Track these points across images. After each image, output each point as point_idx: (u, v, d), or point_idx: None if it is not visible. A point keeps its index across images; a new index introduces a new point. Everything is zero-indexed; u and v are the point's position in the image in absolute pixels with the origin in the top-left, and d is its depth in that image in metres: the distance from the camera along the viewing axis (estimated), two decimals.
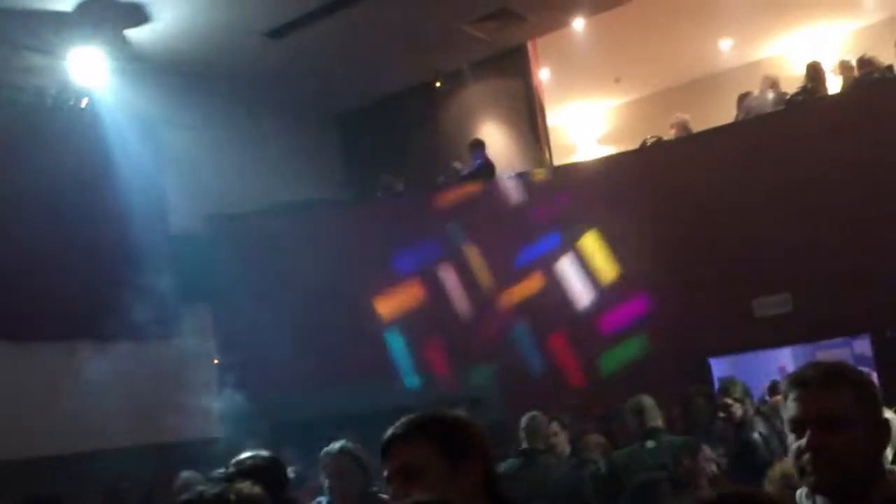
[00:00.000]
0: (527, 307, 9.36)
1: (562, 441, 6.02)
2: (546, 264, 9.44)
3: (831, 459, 1.79)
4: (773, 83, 9.91)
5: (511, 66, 11.44)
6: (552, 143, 11.80)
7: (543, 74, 11.80)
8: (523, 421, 5.66)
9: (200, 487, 2.00)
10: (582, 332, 9.20)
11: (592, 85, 12.46)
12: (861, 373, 1.96)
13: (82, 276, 8.51)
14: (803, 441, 1.82)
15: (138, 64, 9.22)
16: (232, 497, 1.88)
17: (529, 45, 11.43)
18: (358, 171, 11.81)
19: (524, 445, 5.55)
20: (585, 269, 9.37)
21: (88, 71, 9.03)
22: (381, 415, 2.48)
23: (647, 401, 5.30)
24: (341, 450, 4.08)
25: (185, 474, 5.72)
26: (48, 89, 8.97)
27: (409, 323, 9.35)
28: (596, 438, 6.37)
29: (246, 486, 2.02)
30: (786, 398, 1.92)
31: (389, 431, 2.00)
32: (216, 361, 9.14)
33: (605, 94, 12.92)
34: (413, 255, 9.46)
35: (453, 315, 9.40)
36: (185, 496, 1.92)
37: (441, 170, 10.87)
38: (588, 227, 9.43)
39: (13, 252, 8.07)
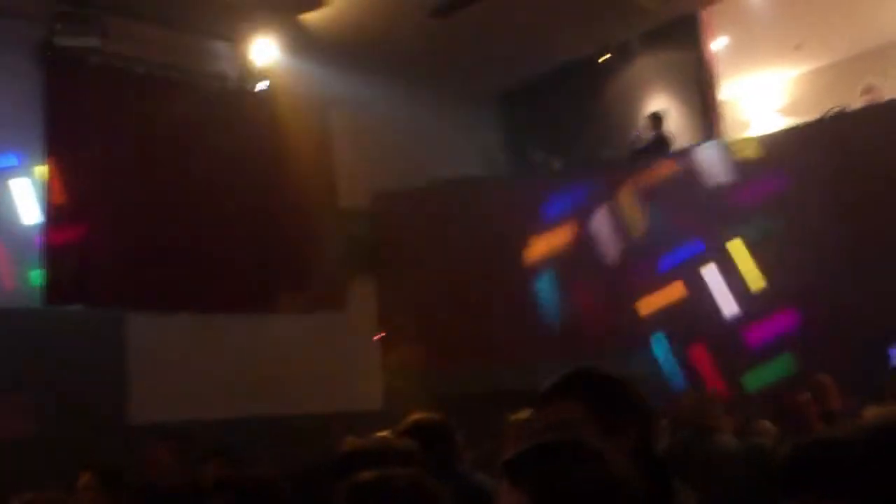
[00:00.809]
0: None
1: (728, 423, 5.75)
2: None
3: None
4: None
5: (681, 37, 10.87)
6: (726, 117, 11.24)
7: (718, 44, 11.20)
8: (687, 398, 5.42)
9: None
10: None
11: (770, 53, 11.70)
12: None
13: (258, 252, 9.02)
14: None
15: (310, 47, 9.58)
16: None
17: (702, 14, 10.89)
18: (520, 148, 11.72)
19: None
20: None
21: (265, 55, 9.50)
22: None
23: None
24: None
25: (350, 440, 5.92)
26: (229, 74, 9.51)
27: (565, 295, 9.22)
28: (766, 425, 6.07)
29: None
30: None
31: (545, 385, 1.95)
32: (380, 335, 9.44)
33: (784, 63, 12.12)
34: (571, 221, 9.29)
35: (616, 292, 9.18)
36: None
37: (608, 146, 10.62)
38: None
39: (196, 229, 8.68)
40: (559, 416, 1.86)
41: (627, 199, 9.38)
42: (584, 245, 9.35)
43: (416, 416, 3.68)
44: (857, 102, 9.41)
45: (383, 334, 9.39)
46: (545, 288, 9.29)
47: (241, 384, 8.27)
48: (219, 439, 7.30)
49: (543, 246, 9.40)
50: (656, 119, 10.26)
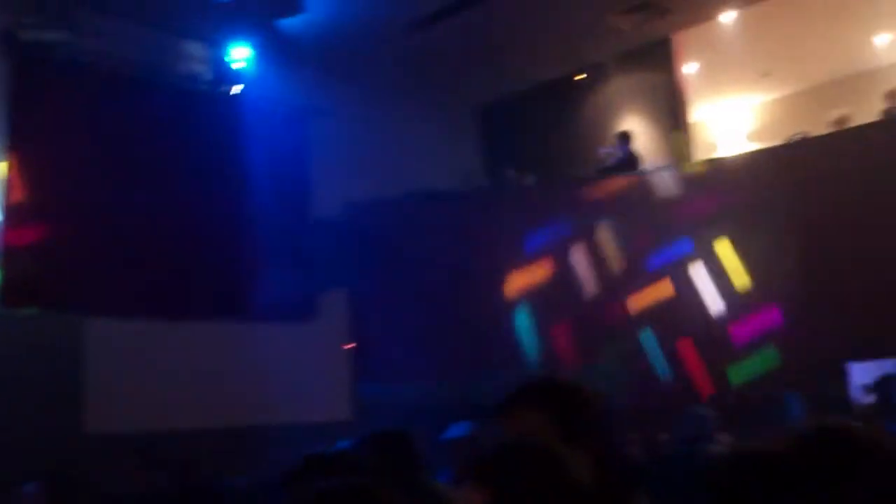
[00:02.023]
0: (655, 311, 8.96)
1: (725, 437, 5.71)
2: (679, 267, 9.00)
3: None
4: None
5: (655, 60, 11.06)
6: (695, 139, 11.36)
7: (690, 68, 11.36)
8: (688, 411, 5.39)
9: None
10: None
11: (740, 79, 11.88)
12: None
13: (226, 258, 8.73)
14: None
15: (288, 53, 9.36)
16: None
17: (675, 38, 11.02)
18: (497, 163, 11.66)
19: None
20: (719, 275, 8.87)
21: (242, 59, 9.26)
22: None
23: None
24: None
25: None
26: (202, 76, 9.23)
27: (540, 316, 9.15)
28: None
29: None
30: None
31: (506, 395, 1.94)
32: (350, 346, 9.21)
33: (753, 89, 12.30)
34: (546, 242, 9.26)
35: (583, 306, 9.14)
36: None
37: (582, 163, 10.62)
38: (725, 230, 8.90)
39: (162, 232, 8.35)
40: (520, 425, 1.84)
41: (598, 216, 9.35)
42: (558, 266, 9.30)
43: (379, 431, 3.73)
44: (827, 130, 9.52)
45: (354, 345, 9.15)
46: (521, 314, 9.20)
47: (205, 393, 7.96)
48: (182, 450, 7.02)
49: (519, 263, 9.30)
50: (625, 137, 10.30)
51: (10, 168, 7.82)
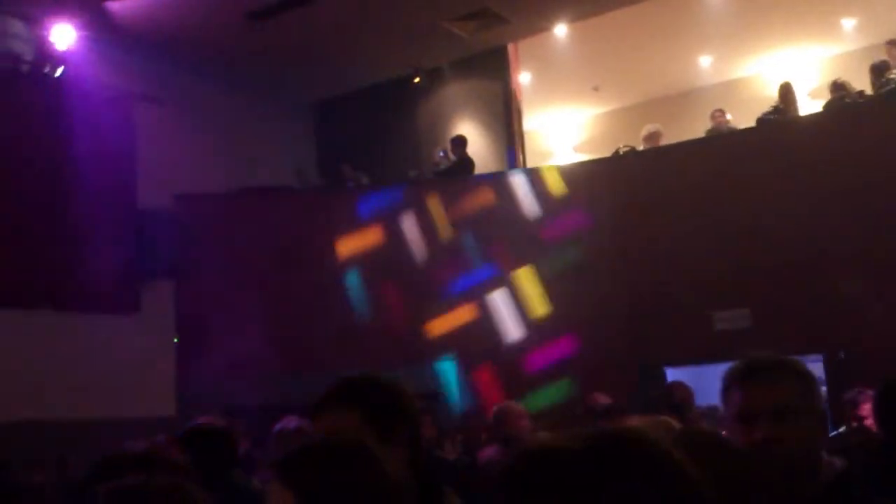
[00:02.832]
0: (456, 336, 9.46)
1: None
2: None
3: (783, 451, 1.77)
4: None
5: (490, 67, 11.58)
6: (527, 148, 11.92)
7: (523, 78, 11.94)
8: (496, 409, 5.56)
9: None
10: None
11: (571, 92, 12.60)
12: (804, 363, 1.94)
13: (46, 245, 8.52)
14: (757, 434, 1.78)
15: (116, 36, 9.24)
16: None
17: (510, 48, 11.57)
18: (331, 161, 11.85)
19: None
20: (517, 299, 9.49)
21: (66, 40, 9.06)
22: None
23: None
24: (298, 429, 4.21)
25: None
26: (25, 56, 8.97)
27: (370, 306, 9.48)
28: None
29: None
30: (728, 390, 1.89)
31: (321, 394, 1.96)
32: (175, 340, 9.16)
33: (583, 102, 13.07)
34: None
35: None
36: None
37: (416, 164, 10.97)
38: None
39: None
40: (334, 423, 1.87)
41: (428, 219, 9.75)
42: (385, 256, 9.63)
43: (196, 422, 3.77)
44: (640, 145, 10.31)
45: (179, 339, 9.12)
46: (351, 294, 9.45)
47: (20, 385, 7.73)
48: None
49: (347, 256, 9.57)
50: (460, 142, 10.72)
51: None
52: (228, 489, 3.39)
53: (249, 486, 3.71)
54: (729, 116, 10.40)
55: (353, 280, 9.59)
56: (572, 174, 10.03)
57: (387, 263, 9.66)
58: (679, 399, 5.54)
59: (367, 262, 9.65)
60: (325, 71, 11.06)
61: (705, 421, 5.88)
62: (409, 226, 9.76)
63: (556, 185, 9.85)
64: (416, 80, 11.51)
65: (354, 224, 9.82)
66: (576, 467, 0.96)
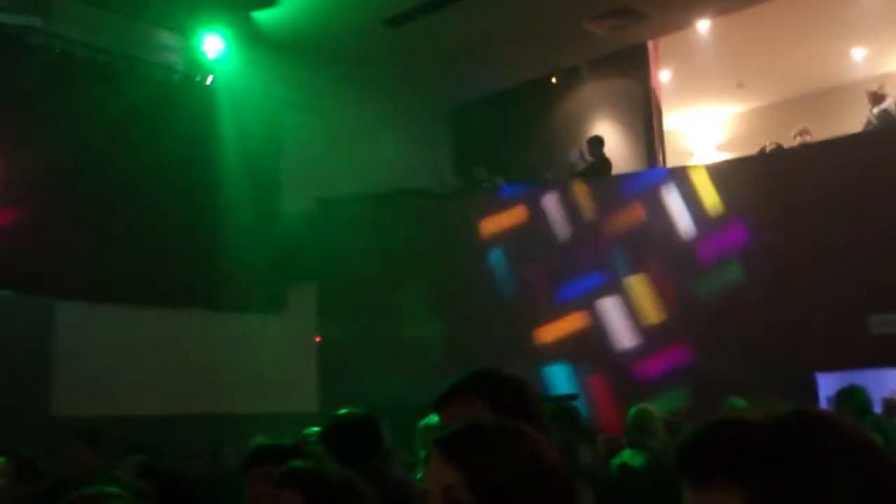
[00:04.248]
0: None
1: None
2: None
3: None
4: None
5: (630, 66, 11.60)
6: (667, 147, 11.90)
7: (664, 76, 11.93)
8: (632, 413, 5.45)
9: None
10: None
11: (714, 89, 12.51)
12: None
13: (197, 247, 9.20)
14: None
15: (262, 45, 9.87)
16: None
17: (650, 45, 11.58)
18: (468, 163, 12.15)
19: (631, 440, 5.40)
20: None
21: (215, 49, 9.76)
22: None
23: None
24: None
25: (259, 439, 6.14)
26: (175, 65, 9.72)
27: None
28: None
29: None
30: None
31: (446, 386, 2.02)
32: (317, 339, 9.69)
33: (726, 99, 12.95)
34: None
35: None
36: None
37: (551, 165, 11.16)
38: None
39: (133, 219, 8.82)
40: (462, 413, 1.85)
41: (566, 218, 9.94)
42: (522, 251, 9.94)
43: (337, 413, 3.83)
44: (791, 143, 10.14)
45: (321, 339, 9.64)
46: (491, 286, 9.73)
47: (173, 381, 8.42)
48: (147, 436, 7.43)
49: (484, 252, 9.87)
50: (597, 142, 10.81)
51: None
52: (372, 478, 3.56)
53: (394, 474, 3.77)
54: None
55: (492, 270, 9.90)
56: (719, 173, 9.99)
57: (524, 257, 9.94)
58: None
59: (507, 250, 9.98)
60: (462, 74, 11.39)
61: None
62: (545, 226, 9.97)
63: (702, 184, 9.84)
64: (553, 80, 11.69)
65: (490, 222, 10.13)
66: (766, 439, 0.96)
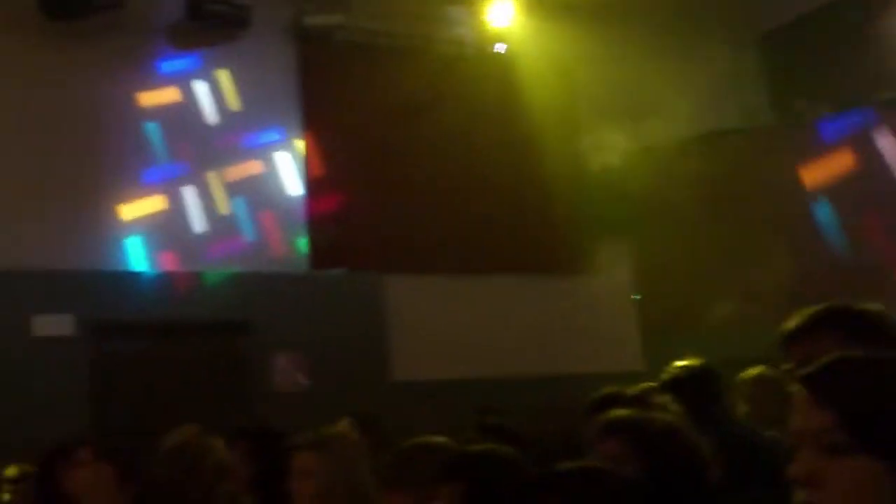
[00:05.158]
0: None
1: None
2: None
3: None
4: None
5: None
6: None
7: None
8: None
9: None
10: None
11: None
12: None
13: (507, 214, 9.51)
14: None
15: (548, 6, 9.90)
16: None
17: None
18: (783, 95, 11.38)
19: None
20: None
21: (502, 18, 9.95)
22: None
23: None
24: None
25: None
26: (466, 39, 10.06)
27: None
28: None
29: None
30: None
31: (791, 325, 1.97)
32: (635, 297, 9.63)
33: None
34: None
35: None
36: None
37: (887, 84, 10.12)
38: None
39: (447, 193, 9.33)
40: (816, 350, 1.72)
41: None
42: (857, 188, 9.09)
43: (679, 364, 3.88)
44: None
45: (640, 296, 9.57)
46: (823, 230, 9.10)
47: (497, 344, 8.81)
48: (477, 398, 7.83)
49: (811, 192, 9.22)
50: None
51: (308, 145, 9.16)
52: (715, 427, 3.35)
53: (740, 430, 3.78)
54: None
55: (823, 214, 9.23)
56: None
57: (859, 195, 9.12)
58: None
59: (836, 194, 9.22)
60: None
61: None
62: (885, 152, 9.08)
63: None
64: None
65: (818, 157, 9.41)
66: None
